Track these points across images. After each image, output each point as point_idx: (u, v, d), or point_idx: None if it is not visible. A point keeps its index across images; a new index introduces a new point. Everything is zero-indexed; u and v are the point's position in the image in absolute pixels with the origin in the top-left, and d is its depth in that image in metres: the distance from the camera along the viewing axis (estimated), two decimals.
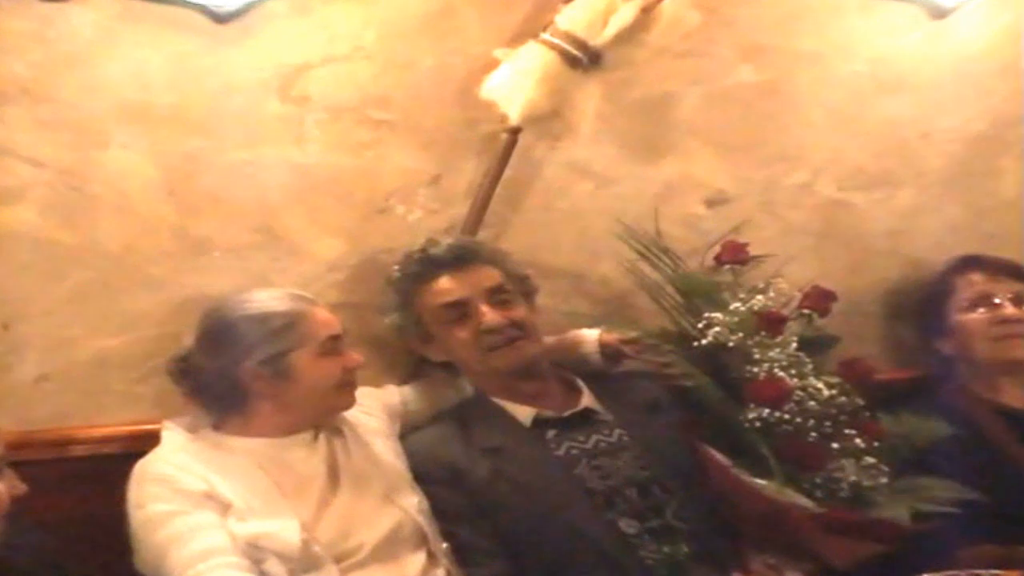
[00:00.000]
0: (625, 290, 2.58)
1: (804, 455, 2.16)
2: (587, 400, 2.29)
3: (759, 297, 2.33)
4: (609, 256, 2.57)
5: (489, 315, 2.24)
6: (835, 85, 2.80)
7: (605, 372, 2.38)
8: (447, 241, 2.34)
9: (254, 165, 2.35)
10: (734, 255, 2.44)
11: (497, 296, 2.28)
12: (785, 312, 2.35)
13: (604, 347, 2.38)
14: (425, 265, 2.31)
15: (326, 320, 2.10)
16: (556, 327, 2.45)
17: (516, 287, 2.33)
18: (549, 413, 2.24)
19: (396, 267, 2.34)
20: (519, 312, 2.28)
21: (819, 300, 2.43)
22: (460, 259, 2.30)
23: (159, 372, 2.20)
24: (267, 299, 2.08)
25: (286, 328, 2.04)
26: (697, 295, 2.39)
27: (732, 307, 2.31)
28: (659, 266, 2.44)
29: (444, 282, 2.29)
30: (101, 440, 2.21)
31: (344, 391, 2.10)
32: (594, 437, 2.22)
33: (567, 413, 2.25)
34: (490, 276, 2.30)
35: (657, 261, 2.44)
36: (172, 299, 2.29)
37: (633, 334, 2.37)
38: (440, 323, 2.29)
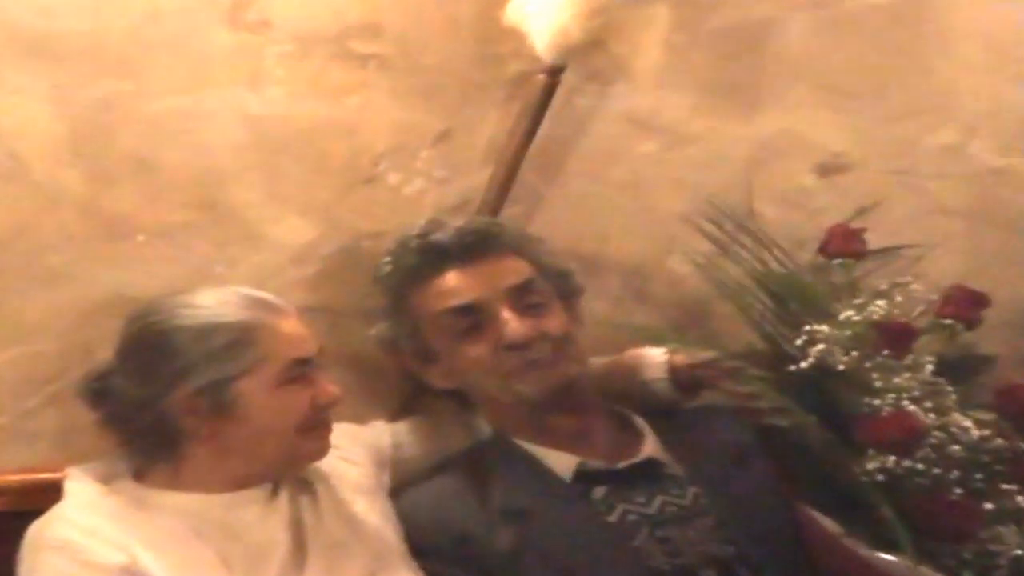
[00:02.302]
0: (703, 293, 2.59)
1: (945, 519, 2.13)
2: (650, 447, 2.29)
3: (880, 303, 2.31)
4: (681, 245, 2.57)
5: (513, 324, 2.24)
6: (998, 9, 2.80)
7: (675, 408, 2.39)
8: (456, 223, 2.34)
9: (193, 116, 2.36)
10: (845, 245, 2.43)
11: (525, 298, 2.28)
12: (916, 323, 2.33)
13: (676, 373, 2.37)
14: (426, 256, 2.30)
15: (293, 336, 2.08)
16: (606, 344, 2.45)
17: (552, 286, 2.34)
18: (597, 464, 2.24)
19: (387, 258, 2.34)
20: (554, 321, 2.28)
21: (965, 306, 2.39)
22: (474, 248, 2.30)
23: (61, 399, 2.23)
24: (212, 304, 2.08)
25: (233, 345, 2.02)
26: (795, 300, 2.38)
27: (843, 316, 2.29)
28: (745, 260, 2.44)
29: (452, 279, 2.29)
30: None
31: (312, 435, 2.08)
32: (659, 498, 2.22)
33: (622, 464, 2.25)
34: (515, 270, 2.30)
35: (742, 253, 2.44)
36: (79, 300, 2.30)
37: (707, 355, 2.36)
38: (446, 335, 2.29)
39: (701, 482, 2.25)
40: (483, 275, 2.29)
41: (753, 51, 2.68)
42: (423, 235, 2.32)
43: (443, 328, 2.29)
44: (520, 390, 2.25)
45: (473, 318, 2.27)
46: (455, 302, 2.28)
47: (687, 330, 2.57)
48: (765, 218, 2.56)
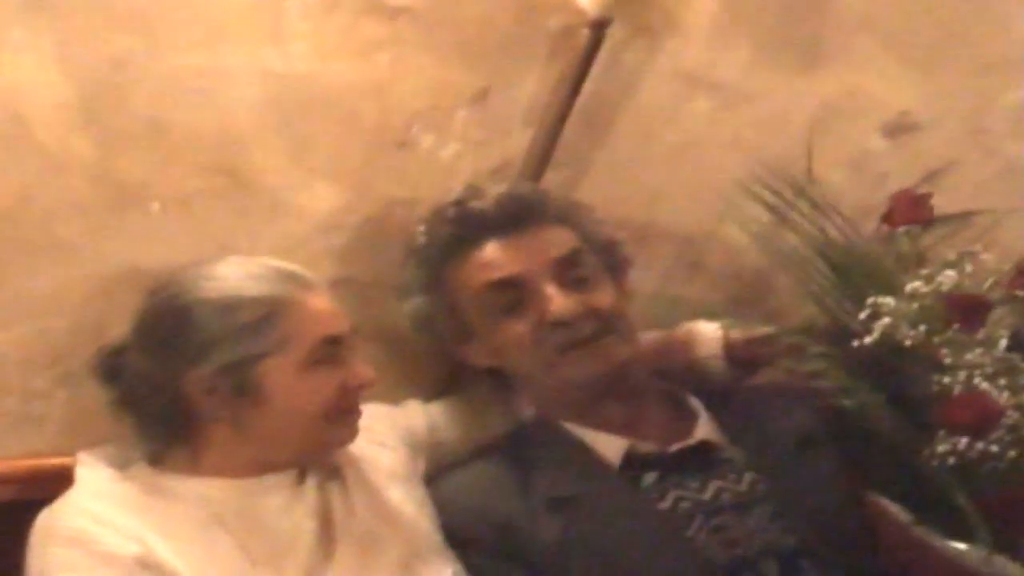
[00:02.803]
0: (762, 264, 2.59)
1: (1021, 506, 2.12)
2: (705, 430, 2.30)
3: (949, 273, 2.28)
4: (737, 212, 2.52)
5: (558, 300, 2.23)
6: None
7: (732, 388, 2.39)
8: (496, 190, 2.33)
9: (210, 75, 2.35)
10: (910, 213, 2.40)
11: (570, 272, 2.27)
12: (989, 295, 2.29)
13: (732, 350, 2.37)
14: (464, 225, 2.30)
15: (323, 313, 2.08)
16: (656, 319, 2.46)
17: (599, 258, 2.34)
18: (648, 447, 2.25)
19: (421, 229, 2.34)
20: (603, 296, 2.28)
21: None
22: (516, 217, 2.30)
23: (71, 380, 2.24)
24: (237, 277, 2.07)
25: (258, 322, 2.02)
26: (858, 272, 2.36)
27: (909, 288, 2.27)
28: (804, 229, 2.42)
29: (491, 251, 2.29)
30: None
31: (339, 421, 2.09)
32: (714, 484, 2.22)
33: (675, 448, 2.26)
34: (560, 241, 2.30)
35: (801, 222, 2.42)
36: (89, 274, 2.30)
37: (765, 330, 2.37)
38: (485, 312, 2.30)
39: (759, 468, 2.25)
40: (525, 247, 2.29)
41: (815, 1, 2.68)
42: (460, 203, 2.32)
43: (482, 304, 2.30)
44: (565, 374, 2.26)
45: (514, 293, 2.27)
46: (495, 276, 2.28)
47: (744, 304, 2.63)
48: (828, 183, 2.52)
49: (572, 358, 2.24)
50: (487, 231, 2.29)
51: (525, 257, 2.27)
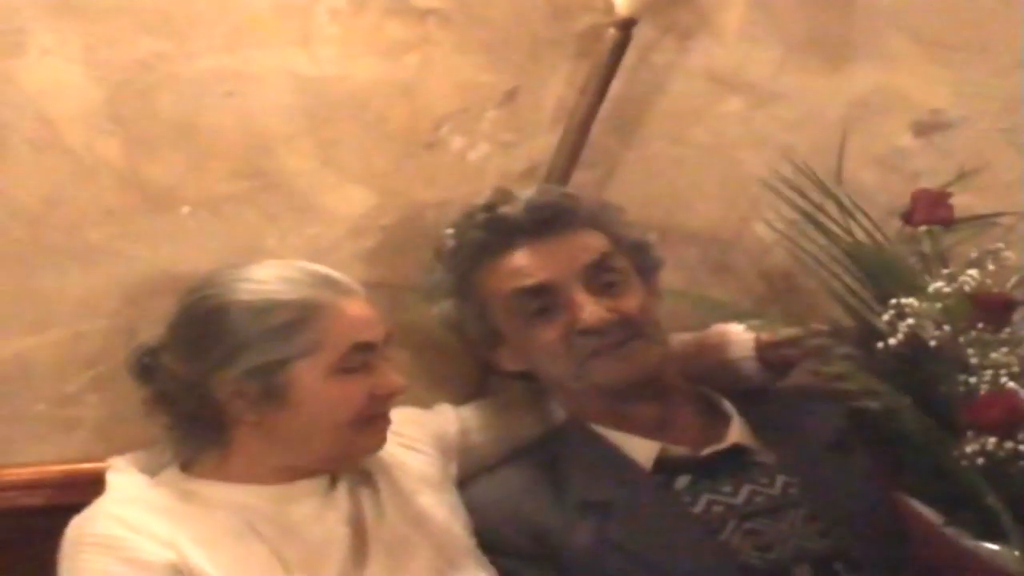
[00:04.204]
0: (790, 265, 2.58)
1: None
2: (737, 433, 2.29)
3: (971, 272, 2.28)
4: (766, 212, 2.55)
5: (588, 308, 2.22)
6: None
7: (765, 390, 2.38)
8: (527, 194, 2.31)
9: (239, 78, 2.36)
10: (930, 212, 2.40)
11: (601, 276, 2.26)
12: (1013, 293, 2.29)
13: (763, 351, 2.35)
14: (494, 231, 2.28)
15: (357, 318, 2.07)
16: (681, 319, 2.44)
17: (630, 261, 2.32)
18: (681, 451, 2.24)
19: (450, 232, 2.32)
20: (632, 300, 2.27)
21: None
22: (546, 223, 2.28)
23: (103, 384, 2.24)
24: (273, 279, 2.07)
25: (290, 326, 2.01)
26: (883, 273, 2.36)
27: (932, 288, 2.26)
28: (829, 230, 2.43)
29: (521, 257, 2.27)
30: (16, 487, 2.22)
31: (367, 430, 2.08)
32: (747, 488, 2.21)
33: (707, 451, 2.25)
34: (590, 246, 2.28)
35: (827, 223, 2.42)
36: (120, 278, 2.30)
37: (792, 331, 2.35)
38: (514, 318, 2.28)
39: (792, 471, 2.24)
40: (556, 252, 2.27)
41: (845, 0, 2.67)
42: (490, 208, 2.30)
43: (511, 310, 2.28)
44: (595, 379, 2.24)
45: (544, 299, 2.25)
46: (525, 283, 2.26)
47: (772, 304, 2.59)
48: (859, 182, 2.55)
49: (602, 363, 2.23)
50: (517, 237, 2.27)
51: (555, 264, 2.26)
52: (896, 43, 2.69)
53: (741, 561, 2.12)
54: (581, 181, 2.49)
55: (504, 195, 2.32)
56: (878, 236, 2.43)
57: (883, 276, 2.36)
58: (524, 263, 2.27)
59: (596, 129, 2.49)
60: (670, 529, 2.15)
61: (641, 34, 2.48)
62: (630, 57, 2.49)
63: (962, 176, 2.47)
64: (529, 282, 2.25)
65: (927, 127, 2.70)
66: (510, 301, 2.27)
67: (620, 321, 2.23)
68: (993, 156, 2.66)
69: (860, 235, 2.42)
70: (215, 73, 2.34)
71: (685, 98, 2.60)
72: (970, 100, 2.71)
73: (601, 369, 2.23)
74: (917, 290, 2.27)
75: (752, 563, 2.12)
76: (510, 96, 2.50)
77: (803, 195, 2.41)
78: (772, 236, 2.54)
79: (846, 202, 2.43)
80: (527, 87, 2.51)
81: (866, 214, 2.42)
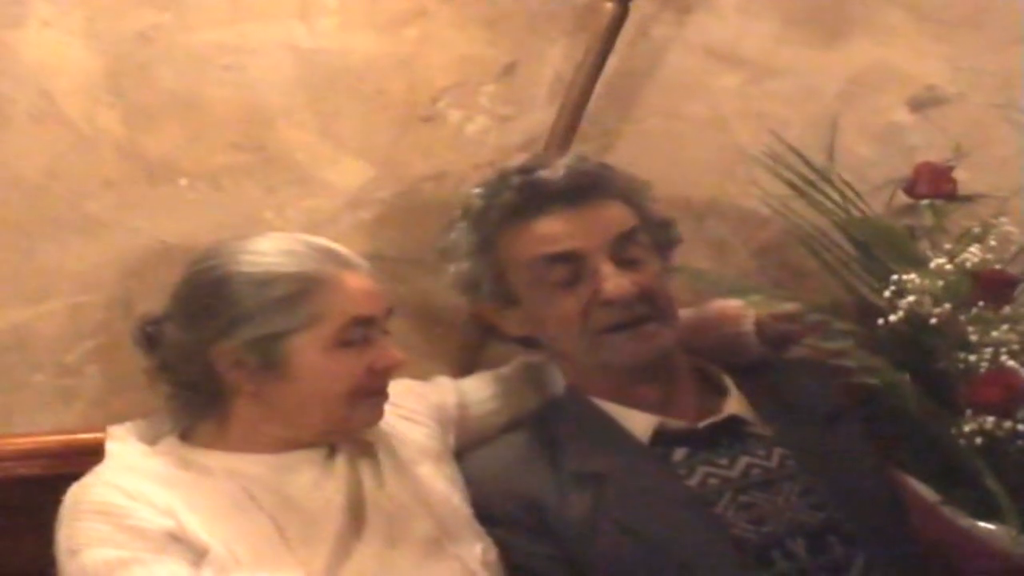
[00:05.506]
0: (789, 239, 2.58)
1: None
2: (734, 405, 2.28)
3: (973, 248, 2.29)
4: (766, 187, 2.54)
5: (613, 280, 2.20)
6: None
7: (761, 364, 2.37)
8: (564, 160, 2.29)
9: (238, 50, 2.38)
10: (932, 184, 2.41)
11: (627, 250, 2.25)
12: (1013, 269, 2.31)
13: (762, 326, 2.35)
14: (528, 194, 2.26)
15: (358, 292, 2.06)
16: (680, 296, 2.41)
17: (651, 237, 2.31)
18: (678, 424, 2.24)
19: (478, 191, 2.30)
20: (651, 275, 2.25)
21: None
22: (581, 190, 2.25)
23: (102, 355, 2.27)
24: (275, 251, 2.07)
25: (290, 298, 2.01)
26: (880, 247, 2.37)
27: (934, 264, 2.27)
28: (824, 205, 2.43)
29: (553, 223, 2.25)
30: (15, 456, 2.23)
31: (364, 404, 2.07)
32: (743, 460, 2.21)
33: (704, 424, 2.24)
34: (620, 218, 2.27)
35: (820, 198, 2.43)
36: (119, 249, 2.32)
37: (790, 307, 2.36)
38: (536, 283, 2.26)
39: (790, 443, 2.23)
40: (586, 221, 2.25)
41: None
42: (527, 171, 2.27)
43: (534, 275, 2.26)
44: (607, 356, 2.23)
45: (570, 268, 2.23)
46: (554, 248, 2.24)
47: (770, 280, 2.59)
48: (855, 156, 2.55)
49: (617, 340, 2.21)
50: (551, 202, 2.24)
51: (584, 233, 2.23)
52: (893, 18, 2.67)
53: (734, 534, 2.11)
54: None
55: (541, 160, 2.31)
56: (868, 210, 2.45)
57: (879, 250, 2.37)
58: (555, 229, 2.24)
59: (593, 103, 2.48)
60: (664, 502, 2.15)
61: (639, 8, 2.49)
62: (628, 31, 2.49)
63: (961, 153, 2.47)
64: (558, 248, 2.23)
65: (923, 102, 2.68)
66: (535, 266, 2.25)
67: (641, 295, 2.21)
68: (989, 132, 2.67)
69: (854, 211, 2.43)
70: (214, 46, 2.35)
71: (682, 72, 2.60)
72: (966, 76, 2.70)
73: (616, 346, 2.22)
74: (913, 263, 2.28)
75: (745, 536, 2.11)
76: (508, 70, 2.51)
77: (793, 170, 2.41)
78: (767, 211, 2.55)
79: (834, 177, 2.44)
80: (525, 61, 2.51)
81: (853, 188, 2.44)
